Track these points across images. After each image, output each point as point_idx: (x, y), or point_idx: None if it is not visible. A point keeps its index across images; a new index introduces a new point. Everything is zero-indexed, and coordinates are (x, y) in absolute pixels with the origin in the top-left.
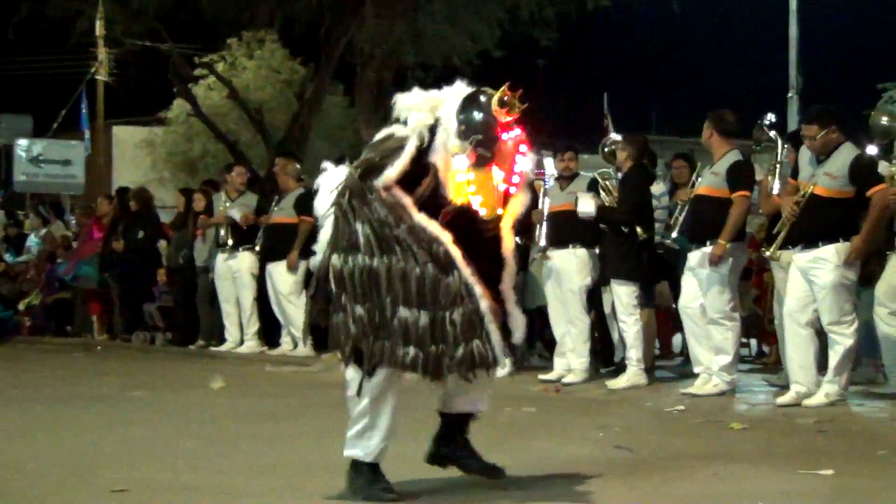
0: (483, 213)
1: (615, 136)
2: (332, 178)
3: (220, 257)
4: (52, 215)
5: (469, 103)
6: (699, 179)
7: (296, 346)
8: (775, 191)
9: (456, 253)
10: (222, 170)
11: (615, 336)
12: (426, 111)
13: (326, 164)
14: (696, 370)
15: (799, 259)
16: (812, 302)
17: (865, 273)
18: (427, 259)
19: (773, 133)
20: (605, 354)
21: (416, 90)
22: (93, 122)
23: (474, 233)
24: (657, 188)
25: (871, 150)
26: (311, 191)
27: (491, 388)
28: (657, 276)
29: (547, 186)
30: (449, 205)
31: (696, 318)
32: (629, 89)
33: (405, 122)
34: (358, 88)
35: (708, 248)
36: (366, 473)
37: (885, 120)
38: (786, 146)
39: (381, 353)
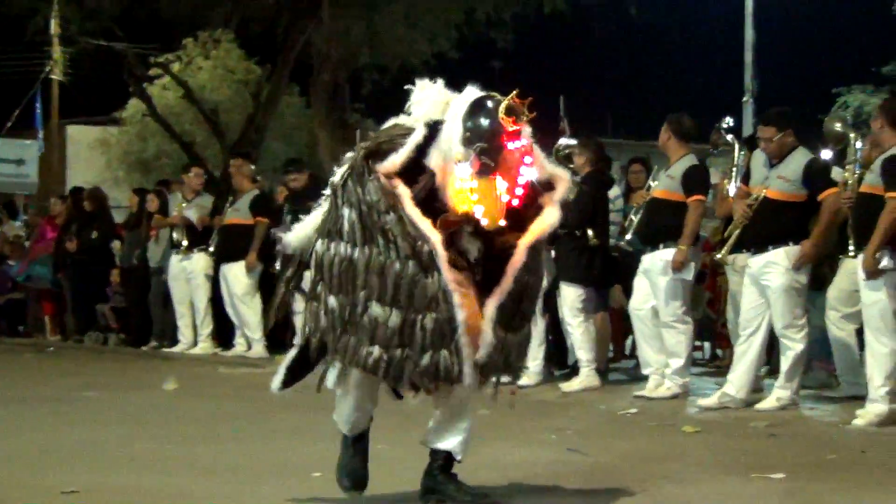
0: (485, 223)
1: (568, 141)
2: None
3: (175, 258)
4: (5, 215)
5: (476, 109)
6: (654, 183)
7: (250, 347)
8: (731, 194)
9: (441, 254)
10: (177, 170)
11: (569, 339)
12: (439, 104)
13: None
14: (645, 372)
15: (752, 264)
16: (765, 311)
17: (818, 277)
18: (409, 254)
19: (730, 136)
20: (559, 357)
21: (436, 83)
22: (47, 122)
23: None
24: (612, 191)
25: (826, 155)
26: (266, 192)
27: (470, 431)
28: (610, 279)
29: None
30: (447, 211)
31: (646, 319)
32: (585, 92)
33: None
34: (314, 89)
35: (662, 251)
36: (343, 449)
37: (838, 126)
38: (742, 150)
39: (343, 350)
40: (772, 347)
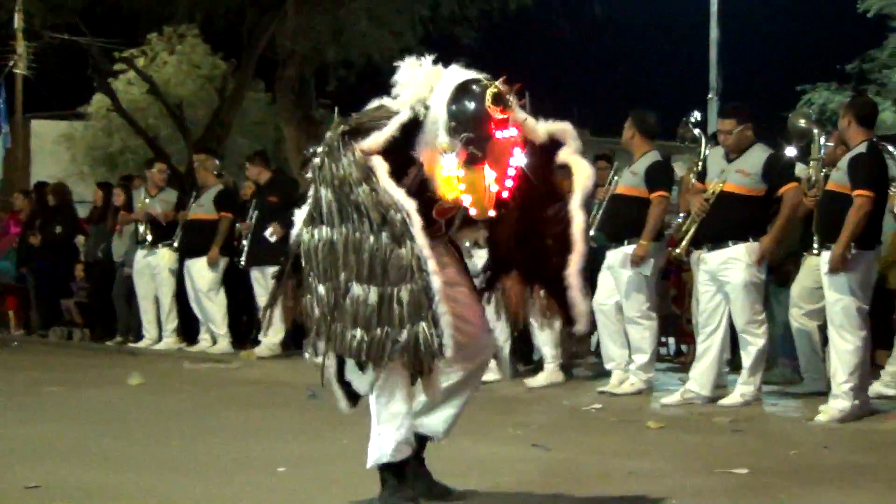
0: (473, 213)
1: None
2: None
3: (140, 254)
4: None
5: (461, 95)
6: (617, 179)
7: (215, 342)
8: None
9: (416, 220)
10: (142, 165)
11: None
12: (424, 86)
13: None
14: (607, 367)
15: (710, 260)
16: (724, 307)
17: (783, 274)
18: (380, 223)
19: (697, 131)
20: (524, 353)
21: (422, 62)
22: (11, 116)
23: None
24: None
25: (790, 151)
26: (231, 187)
27: (457, 418)
28: None
29: None
30: (439, 200)
31: (610, 315)
32: (550, 89)
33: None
34: (279, 85)
35: (627, 247)
36: (389, 480)
37: (802, 122)
38: (709, 144)
39: (334, 339)
40: (735, 343)
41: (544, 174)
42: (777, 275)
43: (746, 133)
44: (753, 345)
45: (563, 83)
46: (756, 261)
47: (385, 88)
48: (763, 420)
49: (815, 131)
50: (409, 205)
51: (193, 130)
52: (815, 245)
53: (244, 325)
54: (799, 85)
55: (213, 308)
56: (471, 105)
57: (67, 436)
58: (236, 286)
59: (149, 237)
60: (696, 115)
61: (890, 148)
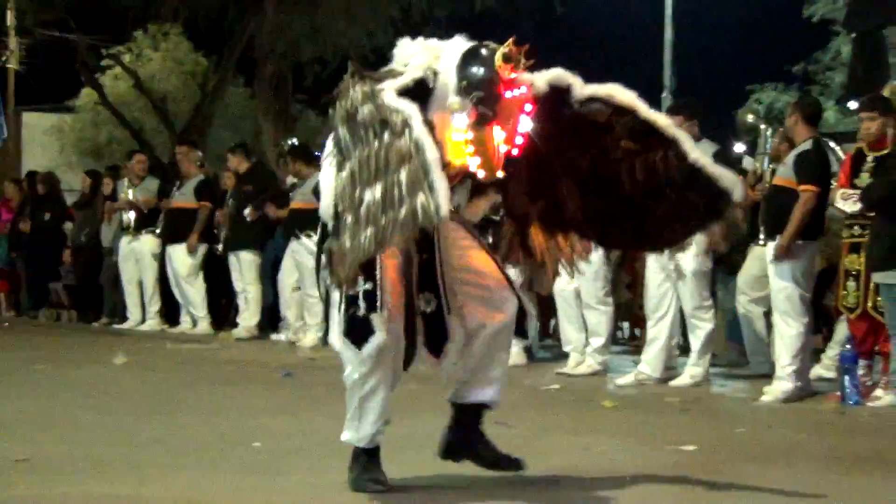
0: (481, 175)
1: None
2: None
3: (124, 240)
4: None
5: (470, 58)
6: None
7: (195, 324)
8: None
9: (418, 117)
10: (126, 156)
11: None
12: (430, 55)
13: None
14: (565, 349)
15: None
16: (671, 294)
17: (731, 263)
18: (382, 129)
19: None
20: None
21: (417, 40)
22: (3, 109)
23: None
24: None
25: (739, 148)
26: (212, 177)
27: (504, 378)
28: None
29: None
30: (447, 166)
31: (569, 300)
32: None
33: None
34: (258, 80)
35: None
36: (361, 462)
37: (750, 118)
38: None
39: (354, 251)
40: (685, 327)
41: (571, 118)
42: (725, 264)
43: (693, 130)
44: (702, 328)
45: None
46: (705, 251)
47: None
48: (711, 400)
49: (762, 127)
50: (411, 108)
51: (177, 123)
52: (762, 236)
53: (223, 309)
54: (748, 84)
55: (192, 292)
56: (481, 65)
57: (56, 411)
58: (215, 271)
59: (132, 224)
60: None
61: (833, 145)
